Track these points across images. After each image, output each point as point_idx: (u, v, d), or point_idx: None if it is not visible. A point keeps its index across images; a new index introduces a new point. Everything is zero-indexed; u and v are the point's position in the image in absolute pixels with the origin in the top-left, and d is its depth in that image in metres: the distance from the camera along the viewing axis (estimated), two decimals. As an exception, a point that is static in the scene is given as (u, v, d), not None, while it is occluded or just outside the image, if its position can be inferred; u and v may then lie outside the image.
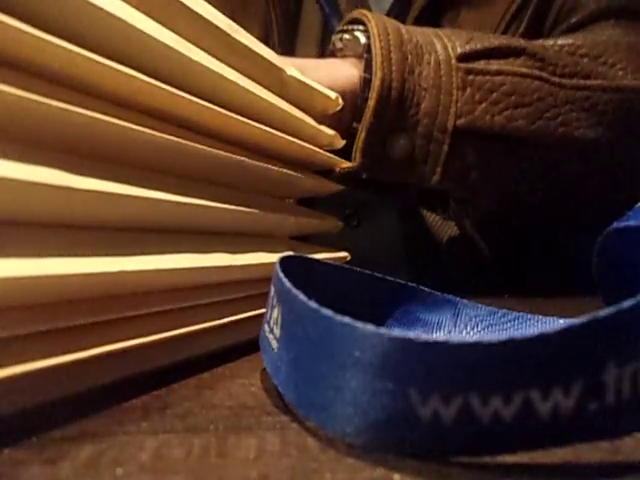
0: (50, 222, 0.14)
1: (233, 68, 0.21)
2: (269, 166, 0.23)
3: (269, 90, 0.23)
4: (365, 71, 0.34)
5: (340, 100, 0.28)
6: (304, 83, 0.26)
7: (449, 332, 0.23)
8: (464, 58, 0.35)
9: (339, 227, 0.33)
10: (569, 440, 0.11)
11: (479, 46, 0.35)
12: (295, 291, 0.14)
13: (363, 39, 0.35)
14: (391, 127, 0.34)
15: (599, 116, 0.37)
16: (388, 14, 0.50)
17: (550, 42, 0.39)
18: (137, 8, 0.16)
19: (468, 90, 0.34)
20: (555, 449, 0.12)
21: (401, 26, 0.36)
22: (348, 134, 0.33)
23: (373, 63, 0.33)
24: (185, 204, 0.18)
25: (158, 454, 0.12)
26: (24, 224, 0.14)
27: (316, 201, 0.37)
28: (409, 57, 0.34)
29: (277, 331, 0.15)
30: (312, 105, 0.27)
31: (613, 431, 0.12)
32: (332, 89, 0.27)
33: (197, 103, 0.18)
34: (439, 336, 0.23)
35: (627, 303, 0.11)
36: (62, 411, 0.15)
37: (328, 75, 0.33)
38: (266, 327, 0.17)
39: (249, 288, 0.23)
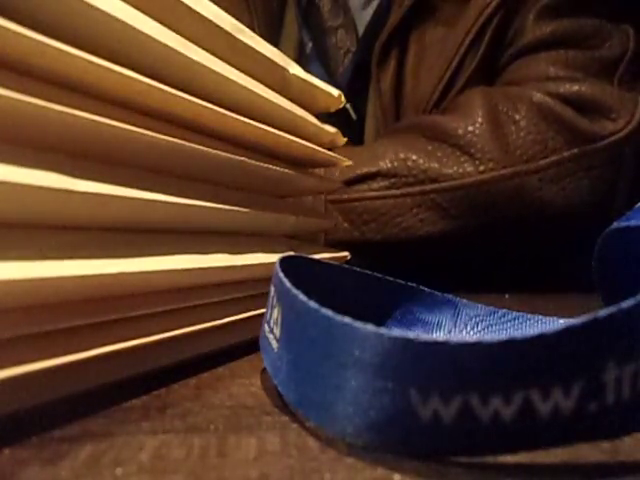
0: (49, 224, 0.14)
1: (235, 67, 0.21)
2: (270, 165, 0.23)
3: (271, 88, 0.23)
4: None
5: (342, 98, 0.28)
6: (306, 81, 0.26)
7: (449, 332, 0.23)
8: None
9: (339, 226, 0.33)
10: (569, 440, 0.11)
11: (344, 177, 0.44)
12: (295, 291, 0.14)
13: None
14: None
15: (443, 212, 0.45)
16: (367, 27, 0.56)
17: (420, 147, 0.46)
18: (138, 8, 0.16)
19: (334, 214, 0.44)
20: (555, 449, 0.12)
21: None
22: None
23: None
24: (185, 205, 0.18)
25: (158, 454, 0.12)
26: (24, 227, 0.14)
27: None
28: None
29: (277, 331, 0.15)
30: (314, 103, 0.27)
31: (613, 431, 0.12)
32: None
33: (197, 104, 0.18)
34: (439, 336, 0.23)
35: (627, 303, 0.11)
36: (62, 411, 0.15)
37: None
38: (266, 327, 0.17)
39: (249, 288, 0.23)
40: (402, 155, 0.46)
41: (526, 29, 0.50)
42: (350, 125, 0.56)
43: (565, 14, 0.49)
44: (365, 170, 0.45)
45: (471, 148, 0.45)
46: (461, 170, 0.45)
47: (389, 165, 0.45)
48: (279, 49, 0.25)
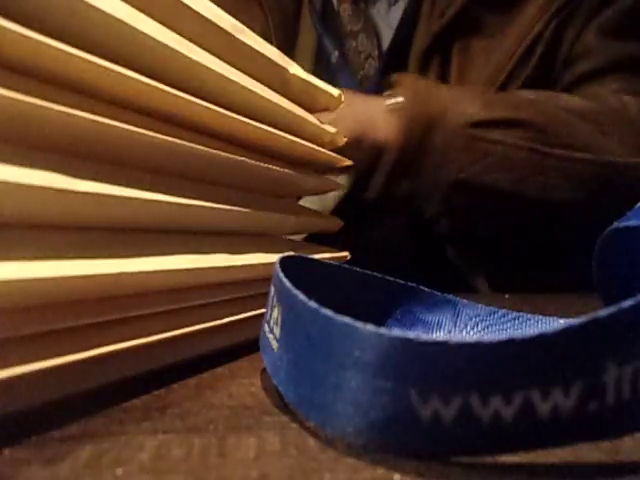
0: (50, 224, 0.14)
1: (235, 67, 0.21)
2: (271, 166, 0.23)
3: (271, 88, 0.23)
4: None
5: (343, 97, 0.28)
6: (307, 81, 0.26)
7: (449, 332, 0.23)
8: (474, 125, 0.41)
9: (339, 226, 0.33)
10: (569, 440, 0.11)
11: (489, 116, 0.42)
12: (295, 291, 0.14)
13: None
14: (402, 174, 0.43)
15: (581, 184, 0.43)
16: (396, 34, 0.53)
17: (562, 102, 0.45)
18: (138, 8, 0.16)
19: (469, 153, 0.41)
20: (555, 449, 0.12)
21: (431, 91, 0.44)
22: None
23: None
24: (185, 205, 0.18)
25: (158, 454, 0.12)
26: (24, 227, 0.14)
27: None
28: (429, 123, 0.42)
29: (277, 331, 0.15)
30: (315, 103, 0.27)
31: (613, 431, 0.12)
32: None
33: (197, 104, 0.18)
34: (439, 336, 0.22)
35: (627, 303, 0.11)
36: (62, 411, 0.15)
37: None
38: (266, 327, 0.17)
39: (249, 288, 0.23)
40: (562, 102, 0.44)
41: (590, 49, 0.49)
42: None
43: (630, 35, 0.48)
44: (508, 113, 0.43)
45: (616, 136, 0.44)
46: (607, 146, 0.43)
47: (541, 118, 0.43)
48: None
